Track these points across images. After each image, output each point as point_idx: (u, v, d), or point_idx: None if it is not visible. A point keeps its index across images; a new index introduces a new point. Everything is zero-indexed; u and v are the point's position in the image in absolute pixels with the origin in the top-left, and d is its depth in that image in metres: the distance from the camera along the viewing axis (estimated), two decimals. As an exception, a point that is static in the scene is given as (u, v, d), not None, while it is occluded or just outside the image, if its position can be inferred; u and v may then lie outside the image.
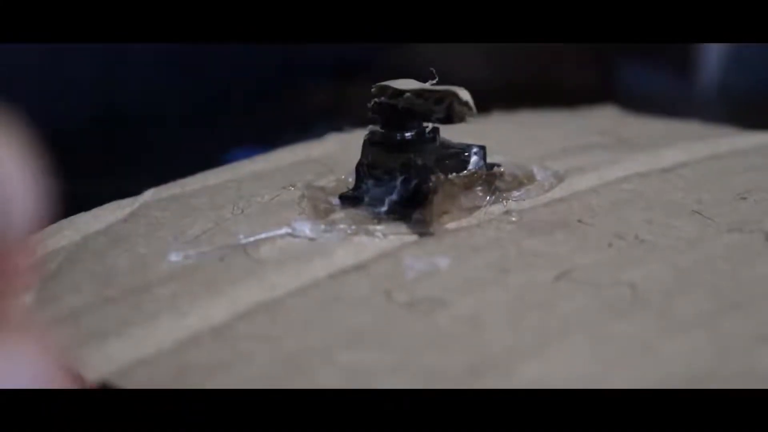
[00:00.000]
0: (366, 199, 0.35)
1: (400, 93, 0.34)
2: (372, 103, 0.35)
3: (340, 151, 0.41)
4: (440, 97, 0.34)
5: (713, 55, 0.76)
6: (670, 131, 0.45)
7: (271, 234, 0.34)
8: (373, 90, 0.35)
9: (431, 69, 0.34)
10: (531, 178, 0.37)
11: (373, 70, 0.79)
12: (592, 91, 0.71)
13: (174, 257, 0.33)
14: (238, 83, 0.77)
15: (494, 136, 0.39)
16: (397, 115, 0.35)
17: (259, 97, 0.77)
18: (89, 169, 0.60)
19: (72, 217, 0.36)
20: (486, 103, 0.38)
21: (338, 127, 0.50)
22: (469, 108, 0.33)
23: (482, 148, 0.36)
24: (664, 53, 0.76)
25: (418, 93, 0.34)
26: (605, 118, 0.48)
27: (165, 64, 0.75)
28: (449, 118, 0.34)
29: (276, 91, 0.78)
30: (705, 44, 0.75)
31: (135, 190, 0.38)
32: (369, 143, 0.35)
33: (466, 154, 0.36)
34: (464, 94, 0.33)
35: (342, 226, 0.34)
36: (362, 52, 0.80)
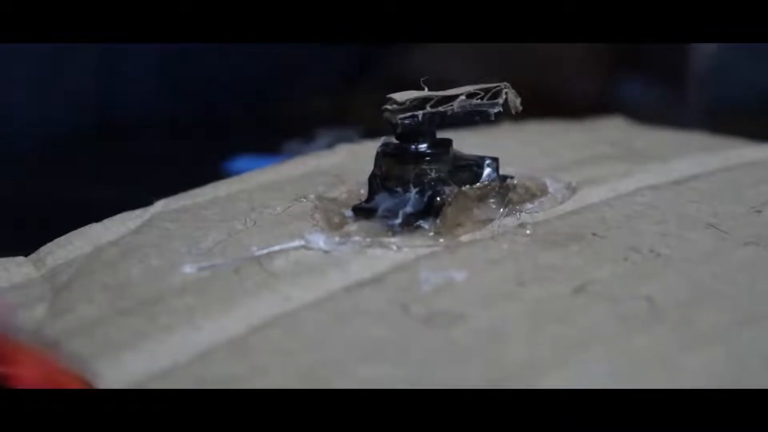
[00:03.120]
0: (379, 211, 0.35)
1: (449, 98, 0.34)
2: (386, 113, 0.35)
3: (350, 162, 0.41)
4: (496, 92, 0.34)
5: (711, 66, 0.76)
6: (680, 142, 0.45)
7: (284, 246, 0.33)
8: (387, 100, 0.35)
9: (422, 80, 0.35)
10: (544, 190, 0.37)
11: (377, 78, 0.79)
12: (596, 101, 0.71)
13: (188, 269, 0.32)
14: (241, 90, 0.77)
15: (505, 147, 0.39)
16: (411, 126, 0.34)
17: (262, 105, 0.77)
18: (91, 178, 0.60)
19: (83, 228, 0.36)
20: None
21: (343, 135, 0.49)
22: (519, 98, 0.34)
23: (495, 159, 0.36)
24: (665, 63, 0.76)
25: (470, 94, 0.34)
26: (614, 129, 0.48)
27: (169, 73, 0.74)
28: (503, 110, 0.34)
29: (280, 98, 0.77)
30: (704, 56, 0.75)
31: (140, 199, 0.38)
32: (382, 154, 0.35)
33: (479, 166, 0.36)
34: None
35: (356, 238, 0.33)
36: (366, 59, 0.80)
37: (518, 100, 0.34)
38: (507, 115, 0.35)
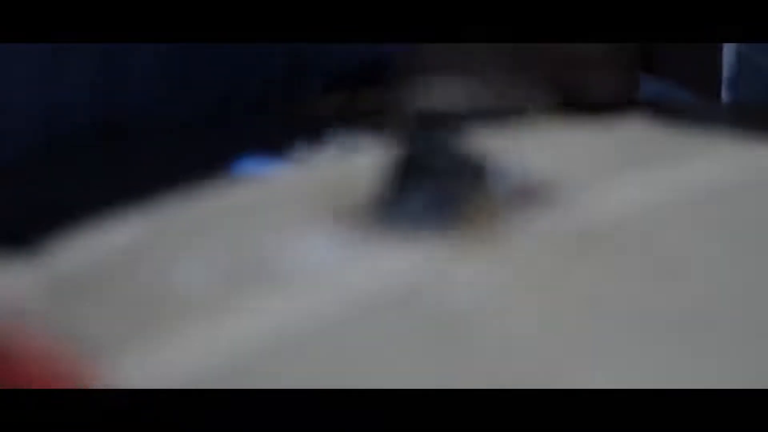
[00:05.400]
0: (394, 215, 0.34)
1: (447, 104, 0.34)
2: (404, 115, 0.34)
3: (363, 166, 0.40)
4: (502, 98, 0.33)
5: (737, 67, 0.75)
6: (702, 146, 0.44)
7: (293, 253, 0.33)
8: (406, 101, 0.34)
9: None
10: (561, 195, 0.36)
11: (389, 80, 0.78)
12: (618, 102, 0.70)
13: (192, 276, 0.32)
14: (248, 90, 0.77)
15: (523, 150, 0.38)
16: (430, 126, 0.34)
17: (271, 105, 0.77)
18: (95, 180, 0.60)
19: (85, 233, 0.36)
20: (513, 117, 0.37)
21: (355, 137, 0.49)
22: (533, 110, 0.33)
23: (513, 164, 0.35)
24: (689, 64, 0.76)
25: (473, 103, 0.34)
26: (636, 132, 0.47)
27: (173, 73, 0.74)
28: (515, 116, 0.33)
29: (289, 98, 0.77)
30: (729, 57, 0.74)
31: (145, 202, 0.37)
32: (398, 158, 0.34)
33: (496, 170, 0.35)
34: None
35: (368, 244, 0.33)
36: (379, 58, 0.79)
37: (531, 111, 0.33)
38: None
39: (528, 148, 0.41)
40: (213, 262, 0.32)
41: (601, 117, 0.49)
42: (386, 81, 0.76)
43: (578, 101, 0.68)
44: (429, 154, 0.34)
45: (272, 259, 0.32)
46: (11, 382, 0.28)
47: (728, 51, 0.73)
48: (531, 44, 0.68)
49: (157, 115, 0.72)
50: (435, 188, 0.34)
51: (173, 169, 0.58)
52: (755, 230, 0.34)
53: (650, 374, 0.27)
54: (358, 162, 0.42)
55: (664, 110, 0.69)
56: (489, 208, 0.34)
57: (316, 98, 0.76)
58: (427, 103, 0.34)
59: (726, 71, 0.73)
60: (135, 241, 0.35)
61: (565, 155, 0.41)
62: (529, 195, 0.35)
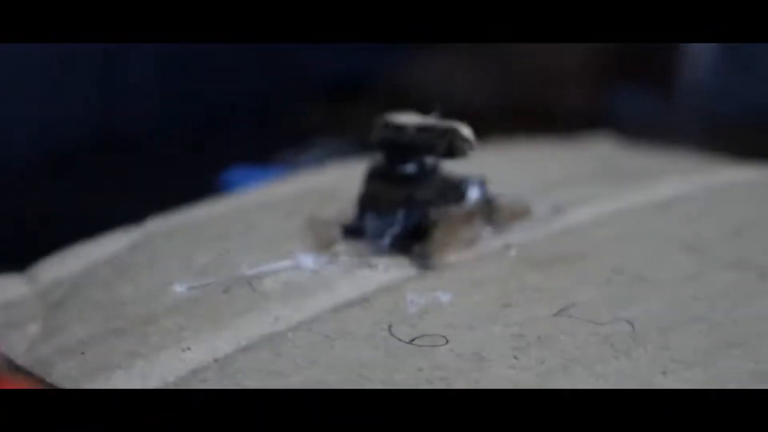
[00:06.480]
0: (367, 231, 0.35)
1: (403, 127, 0.35)
2: (374, 135, 0.36)
3: (341, 181, 0.42)
4: (442, 132, 0.34)
5: (704, 81, 0.76)
6: (667, 162, 0.46)
7: (274, 266, 0.34)
8: (375, 123, 0.36)
9: (434, 102, 0.35)
10: (530, 211, 0.38)
11: (372, 93, 0.79)
12: (586, 116, 0.71)
13: (179, 288, 0.33)
14: (236, 103, 0.78)
15: (493, 167, 0.39)
16: (399, 148, 0.35)
17: (256, 117, 0.77)
18: (86, 192, 0.60)
19: (76, 246, 0.37)
20: (485, 132, 0.38)
21: (337, 147, 0.50)
22: (470, 143, 0.34)
23: (482, 180, 0.37)
24: (657, 78, 0.77)
25: (421, 128, 0.34)
26: (603, 149, 0.48)
27: (163, 85, 0.75)
28: (450, 153, 0.34)
29: (274, 110, 0.78)
30: (696, 71, 0.75)
31: (135, 213, 0.39)
32: (370, 176, 0.36)
33: (466, 186, 0.36)
34: (465, 130, 0.34)
35: (344, 258, 0.34)
36: (361, 74, 0.80)
37: (467, 144, 0.34)
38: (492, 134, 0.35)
39: (497, 165, 0.42)
40: (195, 275, 0.34)
41: (573, 131, 0.50)
42: (370, 94, 0.77)
43: (552, 114, 0.69)
44: (401, 173, 0.35)
45: (251, 271, 0.34)
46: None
47: (703, 70, 0.74)
48: (507, 57, 0.69)
49: (150, 126, 0.72)
50: (407, 206, 0.35)
51: (165, 181, 0.59)
52: (711, 245, 0.36)
53: (614, 385, 0.28)
54: (341, 173, 0.43)
55: (636, 125, 0.71)
56: (457, 225, 0.35)
57: (304, 110, 0.77)
58: (399, 122, 0.35)
59: (700, 90, 0.74)
60: (120, 255, 0.36)
61: (534, 172, 0.43)
62: (496, 211, 0.37)
